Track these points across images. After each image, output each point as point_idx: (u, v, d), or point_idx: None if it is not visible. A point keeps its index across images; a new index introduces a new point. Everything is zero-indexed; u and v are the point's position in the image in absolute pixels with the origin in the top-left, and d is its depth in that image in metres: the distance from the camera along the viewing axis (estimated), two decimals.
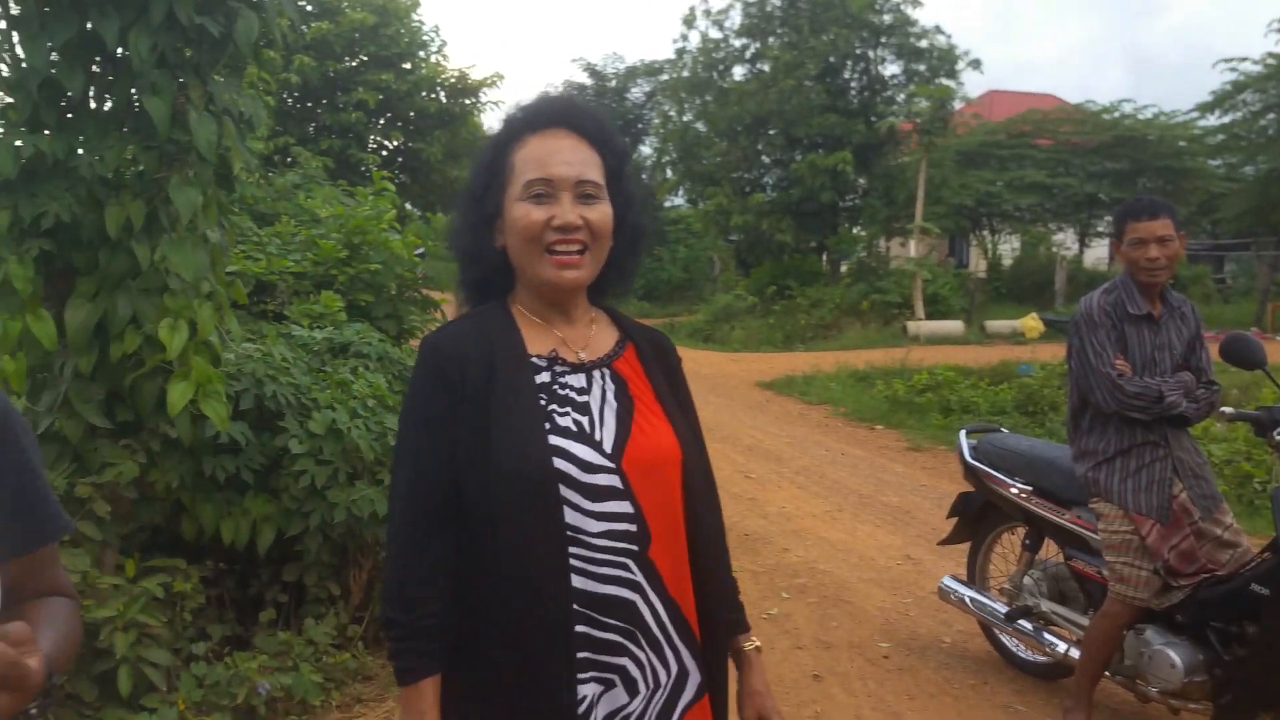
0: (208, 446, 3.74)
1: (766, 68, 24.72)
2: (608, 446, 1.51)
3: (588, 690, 1.49)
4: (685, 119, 27.11)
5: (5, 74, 3.33)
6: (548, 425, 1.50)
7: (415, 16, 14.91)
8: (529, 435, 1.48)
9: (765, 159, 25.76)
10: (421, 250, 7.30)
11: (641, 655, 1.52)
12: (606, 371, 1.60)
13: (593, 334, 1.64)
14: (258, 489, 3.93)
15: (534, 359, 1.56)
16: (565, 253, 1.52)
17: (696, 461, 1.61)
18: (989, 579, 4.47)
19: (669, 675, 1.55)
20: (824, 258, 26.48)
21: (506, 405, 1.50)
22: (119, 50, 3.23)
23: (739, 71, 26.17)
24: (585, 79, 34.29)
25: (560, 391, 1.54)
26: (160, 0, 3.07)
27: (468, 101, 15.65)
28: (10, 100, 3.27)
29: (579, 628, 1.47)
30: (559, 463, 1.47)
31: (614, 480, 1.50)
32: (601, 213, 1.54)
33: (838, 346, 18.42)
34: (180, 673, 3.49)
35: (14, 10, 3.24)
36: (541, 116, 1.58)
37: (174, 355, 3.24)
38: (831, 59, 23.84)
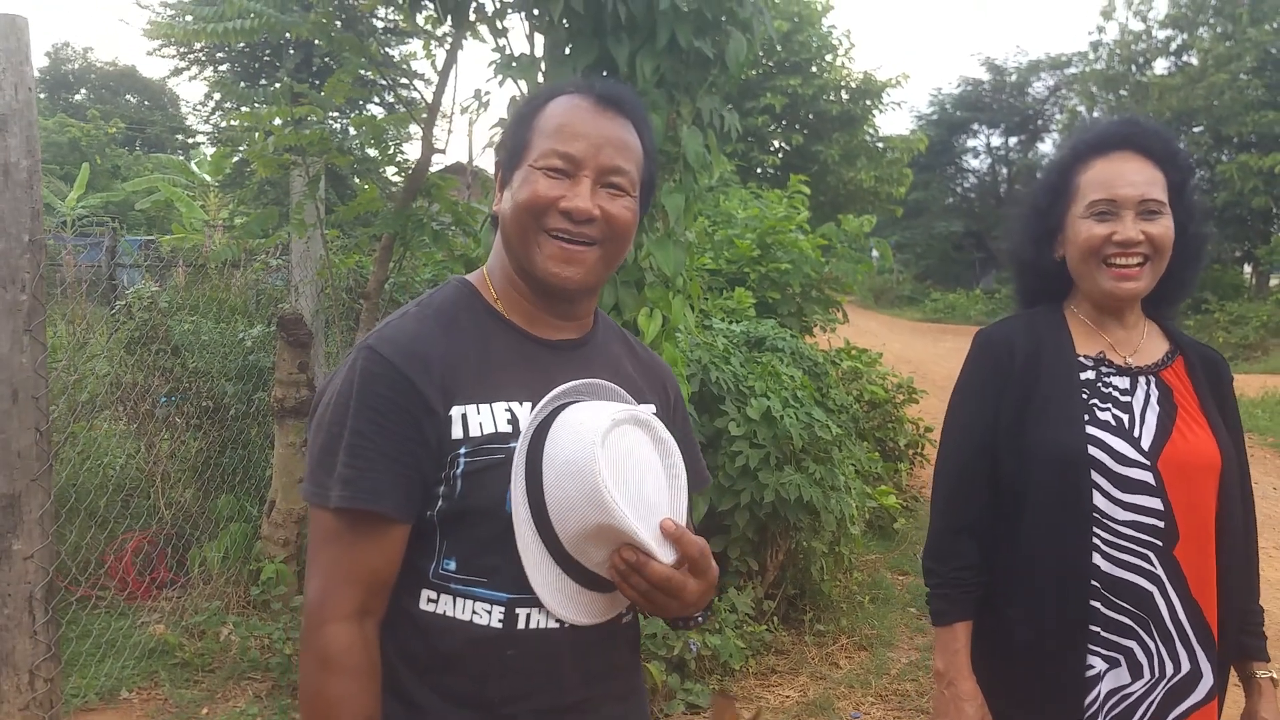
0: None
1: (1194, 60, 22.27)
2: (1145, 444, 1.61)
3: (1095, 662, 1.60)
4: (1095, 114, 25.12)
5: (527, 95, 3.95)
6: (1087, 417, 1.63)
7: (826, 21, 15.24)
8: (1069, 423, 1.62)
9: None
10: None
11: (1151, 644, 1.59)
12: (1152, 379, 1.68)
13: (1143, 342, 1.72)
14: None
15: (1081, 358, 1.69)
16: (1125, 265, 1.62)
17: (1235, 475, 1.66)
18: None
19: (1177, 670, 1.60)
20: (1249, 269, 23.33)
21: (1049, 394, 1.65)
22: (626, 72, 3.72)
23: (1161, 65, 23.87)
24: (983, 74, 32.75)
25: (1104, 389, 1.66)
26: (666, 26, 3.50)
27: (868, 103, 15.69)
28: None
29: (1092, 603, 1.59)
30: (1094, 451, 1.60)
31: (1147, 476, 1.59)
32: (1163, 227, 1.62)
33: (1264, 369, 16.16)
34: None
35: (540, 41, 3.84)
36: (1109, 140, 1.67)
37: (650, 340, 3.68)
38: (1273, 50, 20.93)
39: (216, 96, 15.07)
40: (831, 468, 4.46)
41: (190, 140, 27.59)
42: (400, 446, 1.19)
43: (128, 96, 33.28)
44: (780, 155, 15.68)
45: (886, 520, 6.21)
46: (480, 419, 1.22)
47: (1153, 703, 1.60)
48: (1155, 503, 1.59)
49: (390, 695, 1.22)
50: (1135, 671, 1.60)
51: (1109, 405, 1.64)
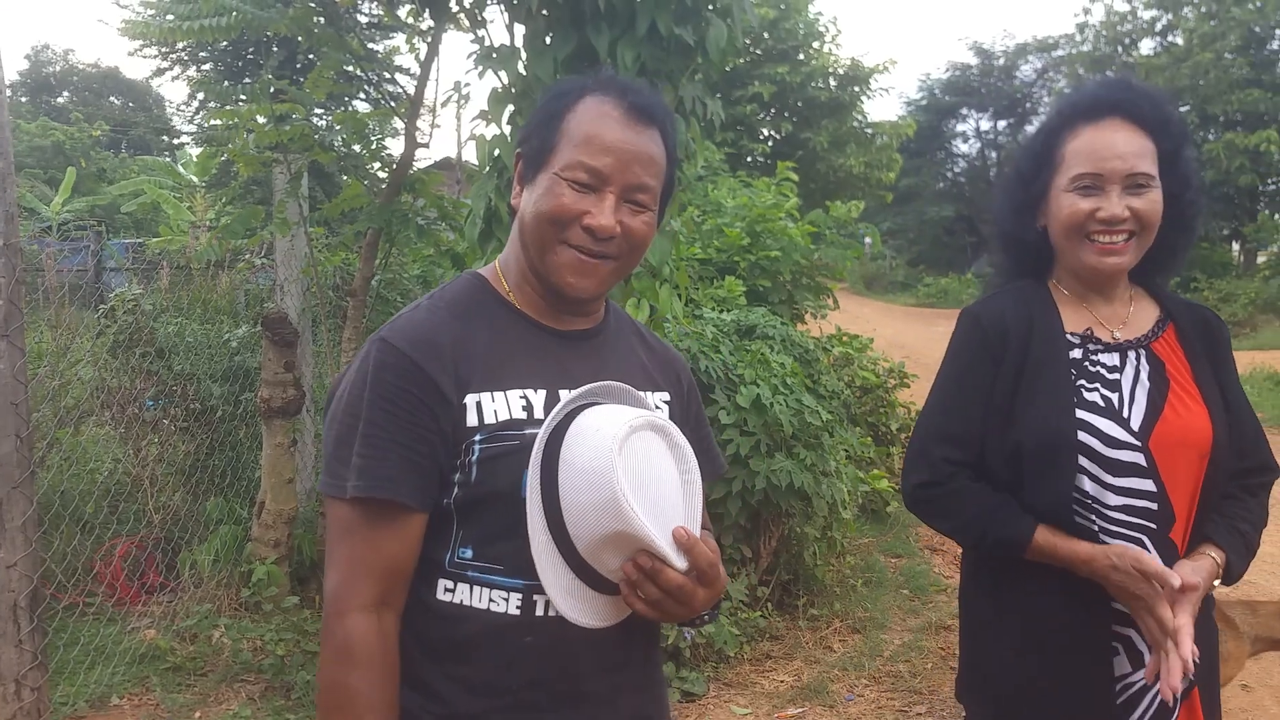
0: None
1: (1179, 40, 22.32)
2: (1135, 424, 1.54)
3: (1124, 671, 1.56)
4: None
5: (508, 85, 3.90)
6: (1075, 400, 1.56)
7: (812, 8, 15.19)
8: (1056, 408, 1.56)
9: None
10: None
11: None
12: (1142, 352, 1.62)
13: (1131, 313, 1.65)
14: None
15: (1069, 336, 1.62)
16: (1110, 241, 1.55)
17: (1226, 448, 1.59)
18: None
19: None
20: (1236, 247, 23.44)
21: (1037, 378, 1.59)
22: (608, 60, 3.68)
23: (1147, 45, 23.99)
24: (971, 58, 32.75)
25: (1091, 368, 1.59)
26: (645, 15, 3.46)
27: (856, 89, 15.67)
28: (516, 108, 3.84)
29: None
30: (1083, 436, 1.54)
31: (1137, 458, 1.53)
32: (1150, 201, 1.55)
33: (1253, 345, 16.20)
34: None
35: (520, 31, 3.81)
36: (1099, 105, 1.58)
37: None
38: (1257, 29, 21.01)
39: (200, 96, 14.98)
40: (822, 453, 4.44)
41: (175, 141, 27.46)
42: (415, 435, 1.20)
43: (111, 98, 33.08)
44: (770, 143, 15.67)
45: (879, 504, 6.22)
46: (495, 406, 1.23)
47: (1159, 692, 1.54)
48: (1147, 484, 1.54)
49: (409, 686, 1.23)
50: (1135, 660, 1.56)
51: (1096, 385, 1.58)
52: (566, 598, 1.20)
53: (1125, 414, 1.56)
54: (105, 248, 12.10)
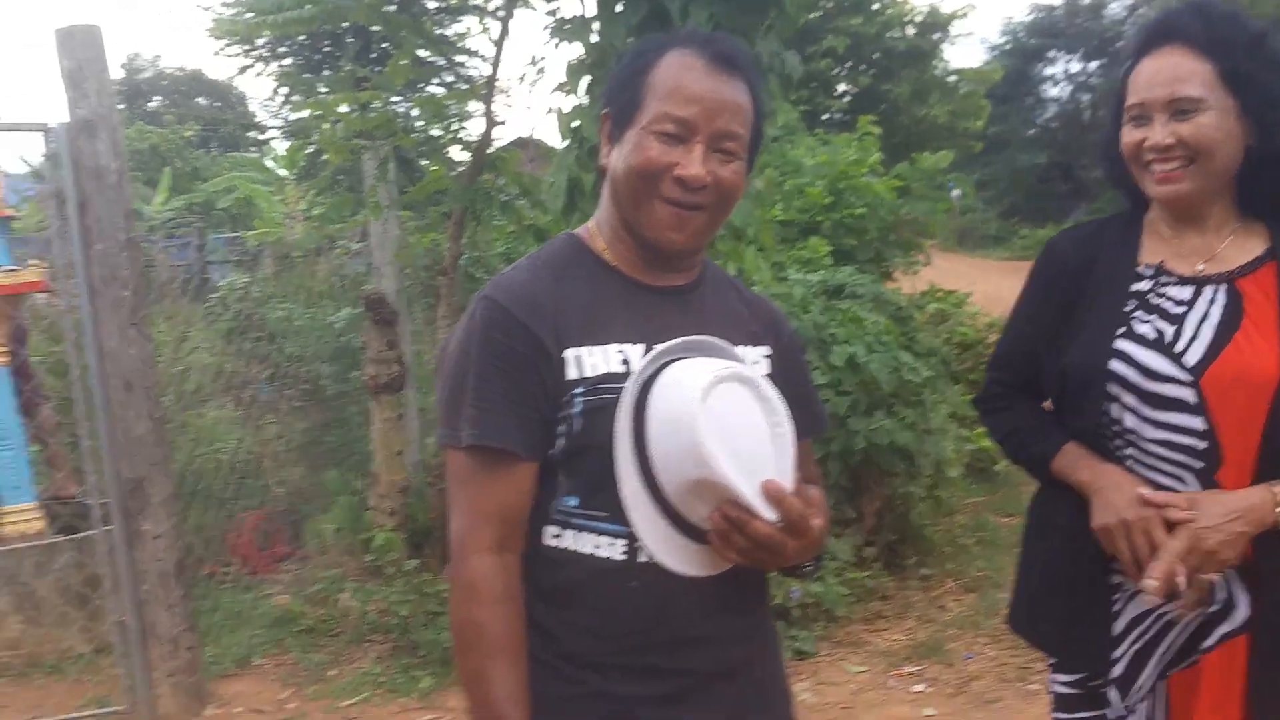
0: None
1: None
2: (1189, 360, 1.50)
3: (1121, 580, 1.55)
4: None
5: (583, 56, 3.95)
6: (1121, 330, 1.54)
7: None
8: (1097, 336, 1.55)
9: None
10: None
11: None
12: (1223, 287, 1.55)
13: (1225, 247, 1.58)
14: None
15: (1141, 268, 1.59)
16: (1164, 169, 1.51)
17: None
18: None
19: (1212, 597, 1.52)
20: None
21: (1091, 308, 1.59)
22: (680, 23, 3.69)
23: None
24: None
25: (1154, 301, 1.56)
26: None
27: (936, 36, 15.23)
28: (592, 78, 3.88)
29: None
30: (1118, 366, 1.52)
31: (1184, 393, 1.49)
32: (1197, 125, 1.48)
33: None
34: None
35: (591, 0, 3.83)
36: (1152, 36, 1.54)
37: None
38: None
39: (283, 91, 15.39)
40: (924, 411, 4.39)
41: (262, 136, 28.26)
42: (520, 388, 1.25)
43: (199, 99, 34.14)
44: (847, 99, 15.36)
45: (987, 462, 6.06)
46: (594, 360, 1.27)
47: (1186, 627, 1.53)
48: (1194, 422, 1.49)
49: (529, 627, 1.28)
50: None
51: (1153, 317, 1.55)
52: (660, 543, 1.23)
53: (1180, 349, 1.52)
54: (207, 242, 12.62)
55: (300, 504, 4.89)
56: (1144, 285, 1.58)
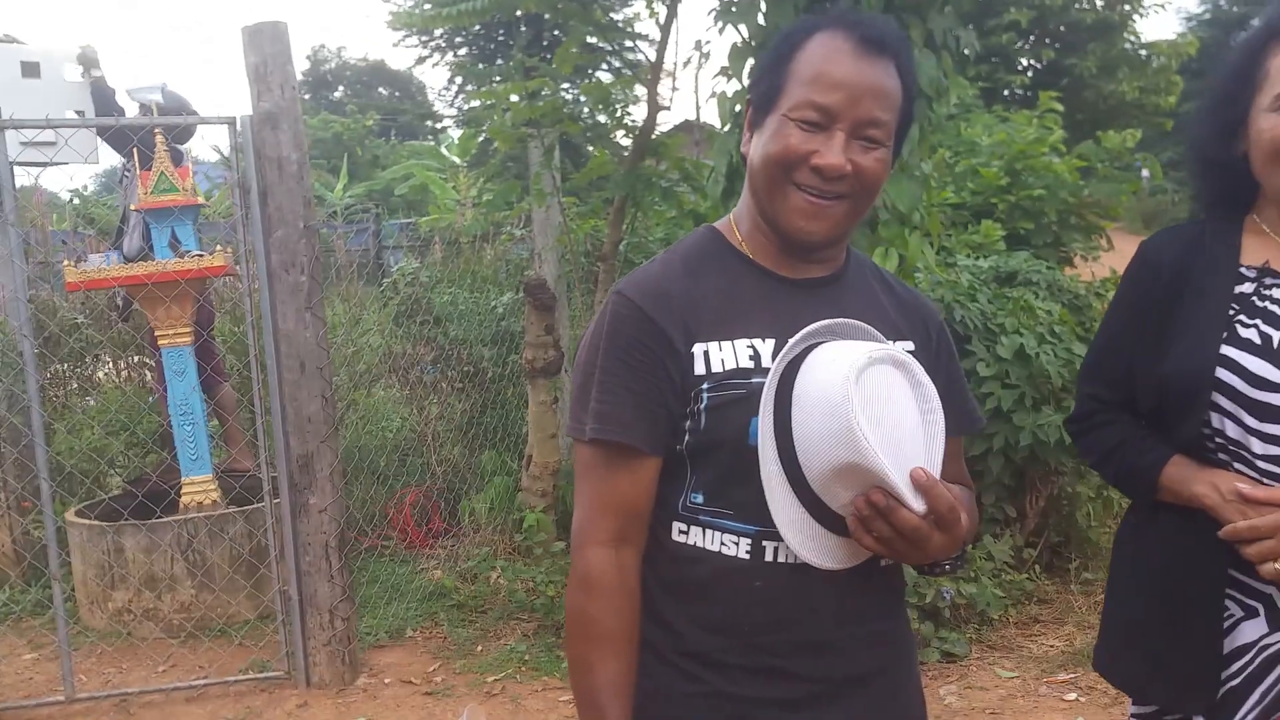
0: None
1: None
2: None
3: (1231, 608, 1.44)
4: None
5: (748, 39, 3.88)
6: (1225, 334, 1.42)
7: None
8: (1199, 341, 1.44)
9: None
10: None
11: None
12: None
13: None
14: None
15: (1242, 269, 1.47)
16: None
17: None
18: None
19: None
20: None
21: (1190, 310, 1.47)
22: (850, 2, 3.57)
23: None
24: None
25: (1259, 304, 1.44)
26: None
27: (1126, 7, 14.21)
28: (756, 62, 3.81)
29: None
30: (1222, 373, 1.41)
31: None
32: None
33: None
34: None
35: None
36: None
37: None
38: None
39: (458, 80, 15.95)
40: None
41: (438, 125, 29.47)
42: (646, 383, 1.24)
43: (380, 89, 35.91)
44: (1030, 74, 14.56)
45: None
46: (722, 355, 1.25)
47: None
48: None
49: (652, 621, 1.28)
50: (1274, 621, 1.40)
51: (1257, 321, 1.42)
52: (795, 532, 1.18)
53: None
54: (383, 228, 13.26)
55: (457, 483, 5.06)
56: (1247, 287, 1.46)
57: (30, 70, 4.62)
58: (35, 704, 3.59)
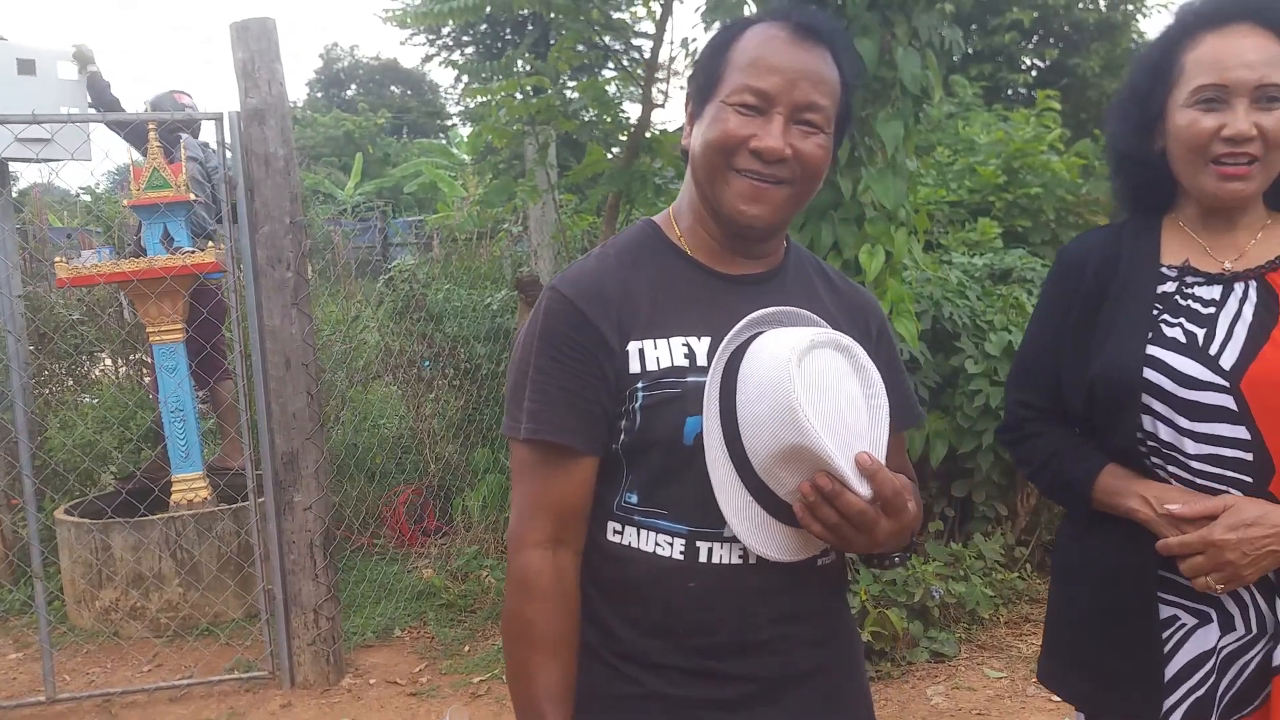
0: None
1: None
2: (1226, 363, 1.37)
3: (1183, 618, 1.43)
4: None
5: None
6: (1150, 334, 1.42)
7: None
8: (1125, 342, 1.43)
9: None
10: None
11: (1244, 593, 1.39)
12: (1253, 284, 1.42)
13: (1255, 244, 1.45)
14: (932, 405, 4.15)
15: (1163, 269, 1.47)
16: (1233, 164, 1.36)
17: None
18: None
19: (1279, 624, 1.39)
20: None
21: (1114, 312, 1.46)
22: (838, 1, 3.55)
23: None
24: None
25: (1181, 303, 1.44)
26: None
27: (1130, 7, 14.11)
28: None
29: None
30: (1151, 374, 1.39)
31: (1224, 400, 1.36)
32: (1278, 119, 1.35)
33: None
34: (860, 568, 3.87)
35: None
36: (1224, 9, 1.39)
37: (872, 278, 3.54)
38: None
39: (464, 79, 15.97)
40: None
41: (447, 123, 29.50)
42: (580, 381, 1.22)
43: (392, 87, 35.97)
44: (1033, 73, 14.46)
45: None
46: (657, 353, 1.23)
47: (1252, 660, 1.38)
48: (1237, 431, 1.35)
49: (588, 622, 1.27)
50: (1226, 625, 1.39)
51: (1180, 320, 1.41)
52: (742, 520, 1.17)
53: (1213, 351, 1.38)
54: (390, 225, 13.29)
55: (451, 480, 5.07)
56: (1169, 286, 1.46)
57: (26, 68, 4.64)
58: (15, 705, 3.60)
